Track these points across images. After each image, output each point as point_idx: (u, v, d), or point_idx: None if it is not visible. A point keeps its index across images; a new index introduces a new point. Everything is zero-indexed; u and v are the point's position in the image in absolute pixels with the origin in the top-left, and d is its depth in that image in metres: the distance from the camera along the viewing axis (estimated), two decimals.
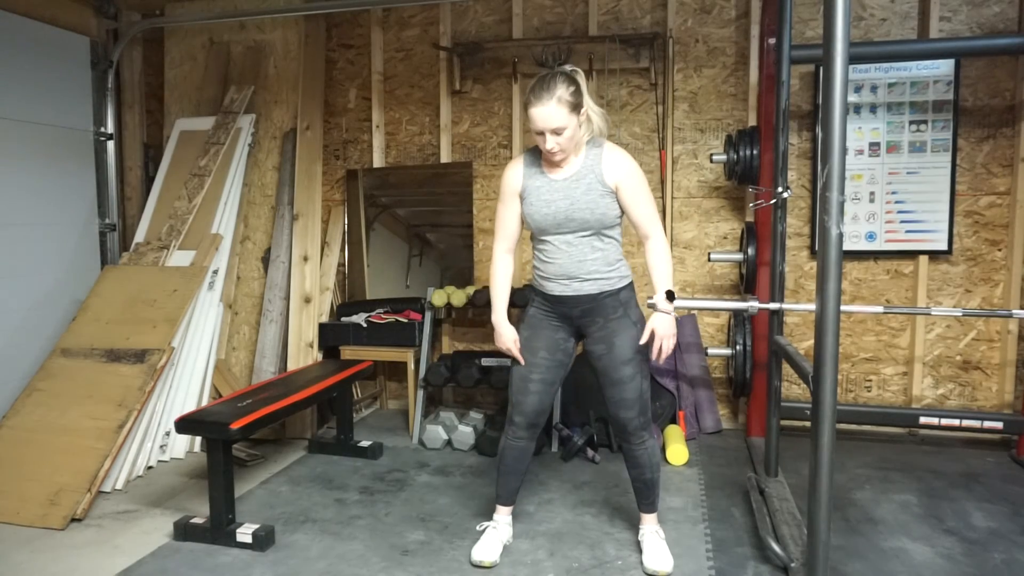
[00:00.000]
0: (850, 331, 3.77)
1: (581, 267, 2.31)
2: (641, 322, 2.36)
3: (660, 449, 3.43)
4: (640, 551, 2.46)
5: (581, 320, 2.38)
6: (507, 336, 2.41)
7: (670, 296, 2.27)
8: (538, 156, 2.35)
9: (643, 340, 2.31)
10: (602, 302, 2.33)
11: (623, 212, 2.33)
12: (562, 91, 2.16)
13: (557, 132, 2.18)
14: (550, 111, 2.16)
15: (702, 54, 3.84)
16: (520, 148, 4.06)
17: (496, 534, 2.50)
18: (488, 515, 2.61)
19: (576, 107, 2.20)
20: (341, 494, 3.05)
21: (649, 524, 2.51)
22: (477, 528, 2.56)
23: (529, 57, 3.97)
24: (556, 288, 2.35)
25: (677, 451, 3.34)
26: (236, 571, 2.41)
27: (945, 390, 3.71)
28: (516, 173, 2.37)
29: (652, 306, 2.31)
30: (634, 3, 3.90)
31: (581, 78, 2.25)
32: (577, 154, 2.30)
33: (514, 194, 2.37)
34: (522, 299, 3.68)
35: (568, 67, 2.26)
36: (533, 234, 2.39)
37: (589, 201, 2.26)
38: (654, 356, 2.31)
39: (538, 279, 2.42)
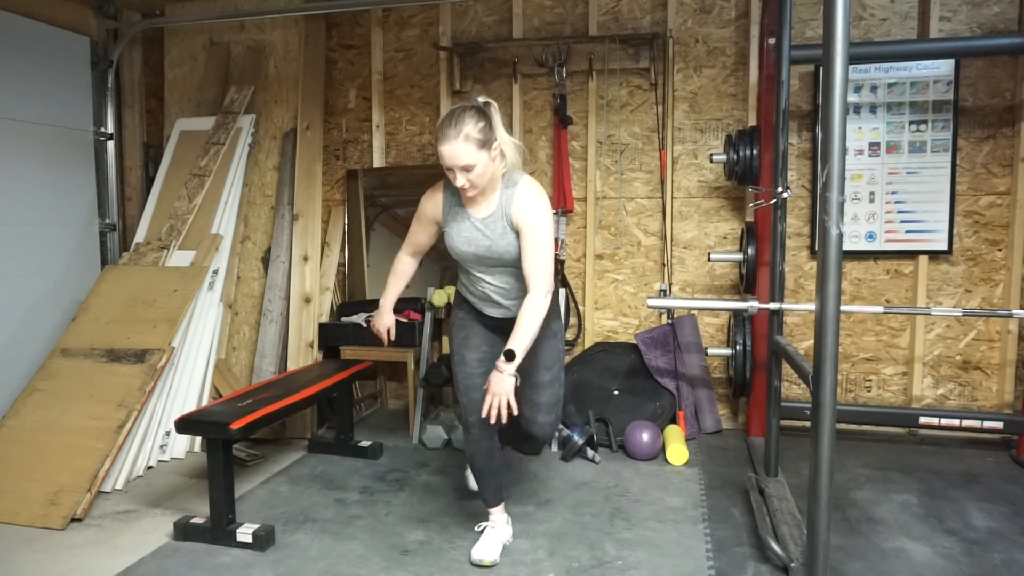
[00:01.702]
0: (850, 331, 3.77)
1: (506, 296, 2.39)
2: (562, 332, 2.54)
3: (657, 449, 3.43)
4: (641, 550, 2.46)
5: (507, 331, 2.36)
6: (387, 320, 2.62)
7: (510, 356, 2.16)
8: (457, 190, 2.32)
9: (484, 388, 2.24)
10: None
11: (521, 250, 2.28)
12: (470, 128, 2.12)
13: (467, 169, 2.14)
14: (457, 149, 2.12)
15: (702, 54, 3.84)
16: None
17: (495, 533, 2.50)
18: (485, 514, 2.61)
19: (485, 143, 2.14)
20: (341, 494, 3.05)
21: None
22: (476, 529, 2.56)
23: (529, 57, 3.97)
24: (481, 308, 2.45)
25: (677, 451, 3.34)
26: (236, 571, 2.41)
27: (945, 390, 3.71)
28: (435, 204, 2.37)
29: (497, 364, 2.20)
30: (634, 3, 3.90)
31: (493, 111, 2.20)
32: (494, 189, 2.27)
33: (432, 221, 2.41)
34: None
35: (481, 99, 2.22)
36: (458, 262, 2.44)
37: (507, 243, 2.27)
38: (483, 412, 2.18)
39: (464, 293, 2.50)
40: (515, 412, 2.21)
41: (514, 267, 2.31)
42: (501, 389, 2.17)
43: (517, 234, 2.25)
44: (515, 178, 2.27)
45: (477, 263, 2.35)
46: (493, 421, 2.20)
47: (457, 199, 2.33)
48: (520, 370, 2.27)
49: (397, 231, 4.27)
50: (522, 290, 2.31)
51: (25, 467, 3.01)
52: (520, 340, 2.18)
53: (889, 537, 2.59)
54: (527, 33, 4.01)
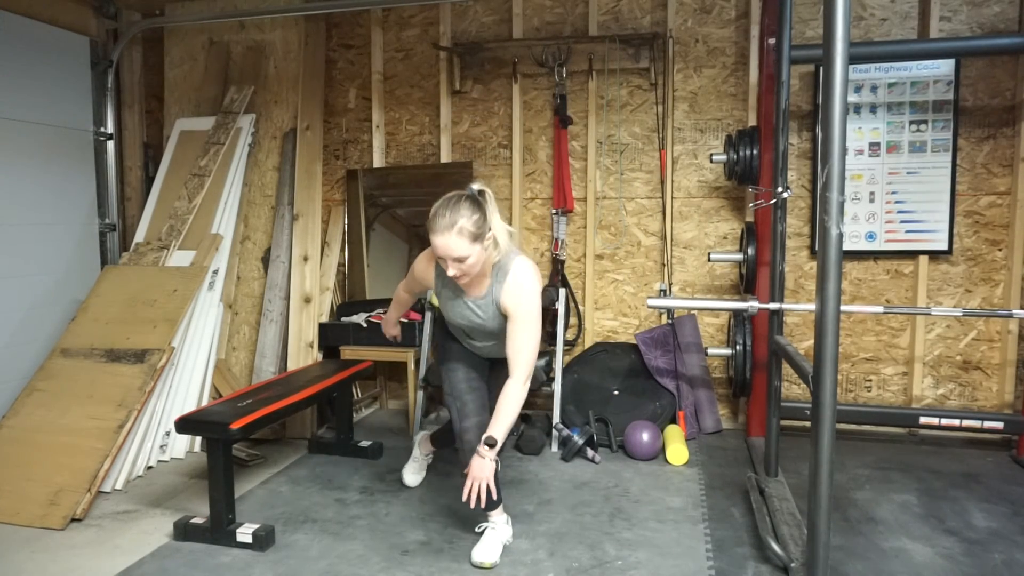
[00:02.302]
0: (850, 331, 3.77)
1: (488, 350, 2.55)
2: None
3: (657, 449, 3.43)
4: (642, 550, 2.46)
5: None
6: (394, 330, 2.99)
7: (491, 442, 2.24)
8: None
9: (463, 472, 2.33)
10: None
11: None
12: (463, 221, 2.12)
13: (460, 260, 2.16)
14: (450, 242, 2.13)
15: (702, 54, 3.84)
16: (520, 148, 4.06)
17: (495, 534, 2.50)
18: (487, 516, 2.61)
19: (479, 236, 2.16)
20: (341, 494, 3.05)
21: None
22: (476, 530, 2.56)
23: (529, 57, 3.97)
24: (465, 345, 2.61)
25: (677, 451, 3.34)
26: (236, 571, 2.41)
27: (945, 390, 3.71)
28: (428, 274, 2.45)
29: (479, 449, 2.29)
30: (634, 3, 3.89)
31: (488, 200, 2.21)
32: (486, 275, 2.30)
33: (423, 285, 2.53)
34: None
35: (476, 187, 2.22)
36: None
37: (499, 323, 2.36)
38: (464, 496, 2.26)
39: (448, 328, 2.61)
40: (495, 496, 2.32)
41: (497, 336, 2.43)
42: (482, 474, 2.25)
43: (503, 317, 2.34)
44: (507, 265, 2.29)
45: (468, 333, 2.46)
46: (472, 506, 2.27)
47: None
48: (495, 380, 2.46)
49: (397, 231, 4.27)
50: (502, 348, 2.37)
51: (25, 467, 3.01)
52: (500, 427, 2.25)
53: (889, 537, 2.59)
54: (527, 33, 4.01)
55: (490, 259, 2.26)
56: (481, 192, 2.22)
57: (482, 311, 2.35)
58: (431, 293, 3.82)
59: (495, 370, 2.64)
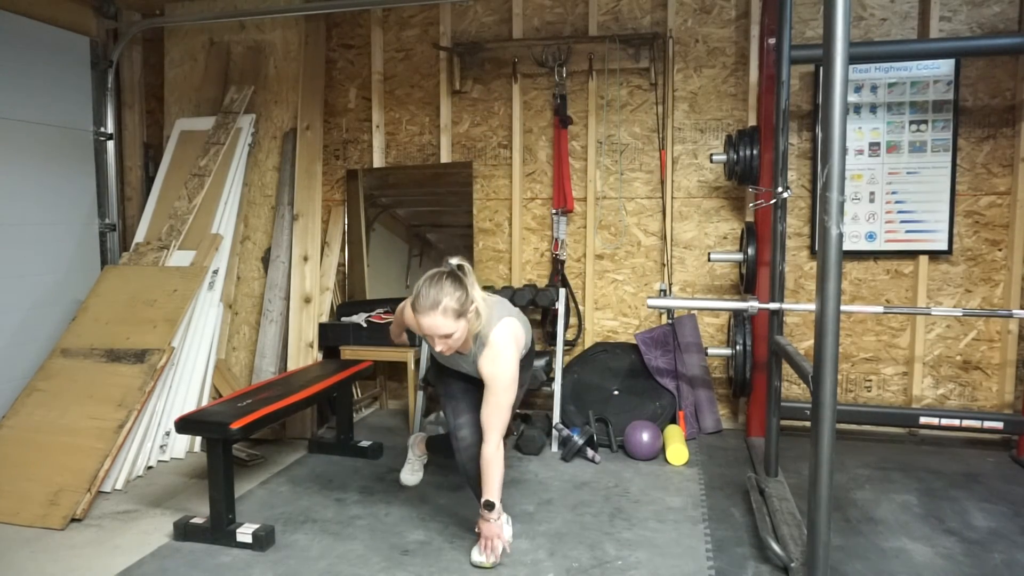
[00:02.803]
0: (850, 331, 3.77)
1: (472, 380, 2.58)
2: (527, 376, 2.63)
3: (657, 448, 3.43)
4: (641, 550, 2.46)
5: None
6: (402, 337, 2.89)
7: (490, 506, 2.36)
8: None
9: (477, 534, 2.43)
10: None
11: None
12: (447, 301, 2.21)
13: (446, 337, 2.25)
14: (436, 322, 2.22)
15: (702, 54, 3.84)
16: (520, 148, 4.06)
17: None
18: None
19: (462, 313, 2.25)
20: (341, 494, 3.05)
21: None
22: (476, 530, 2.56)
23: (529, 57, 3.97)
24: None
25: (677, 451, 3.34)
26: (236, 571, 2.41)
27: (945, 390, 3.71)
28: (413, 325, 2.45)
29: (483, 513, 2.39)
30: (634, 3, 3.89)
31: (468, 275, 2.31)
32: (469, 338, 2.38)
33: (413, 329, 2.51)
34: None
35: (455, 261, 2.32)
36: None
37: (475, 371, 2.45)
38: (483, 558, 2.38)
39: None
40: (508, 551, 2.41)
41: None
42: (492, 533, 2.38)
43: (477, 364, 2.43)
44: (486, 336, 2.37)
45: (456, 371, 2.59)
46: (486, 562, 2.37)
47: None
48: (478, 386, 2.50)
49: (397, 231, 4.27)
50: None
51: (25, 467, 3.01)
52: (492, 490, 2.36)
53: (889, 537, 2.59)
54: (527, 33, 4.01)
55: (473, 328, 2.35)
56: (460, 267, 2.32)
57: (467, 364, 2.48)
58: None
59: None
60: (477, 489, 2.52)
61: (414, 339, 3.88)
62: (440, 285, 2.24)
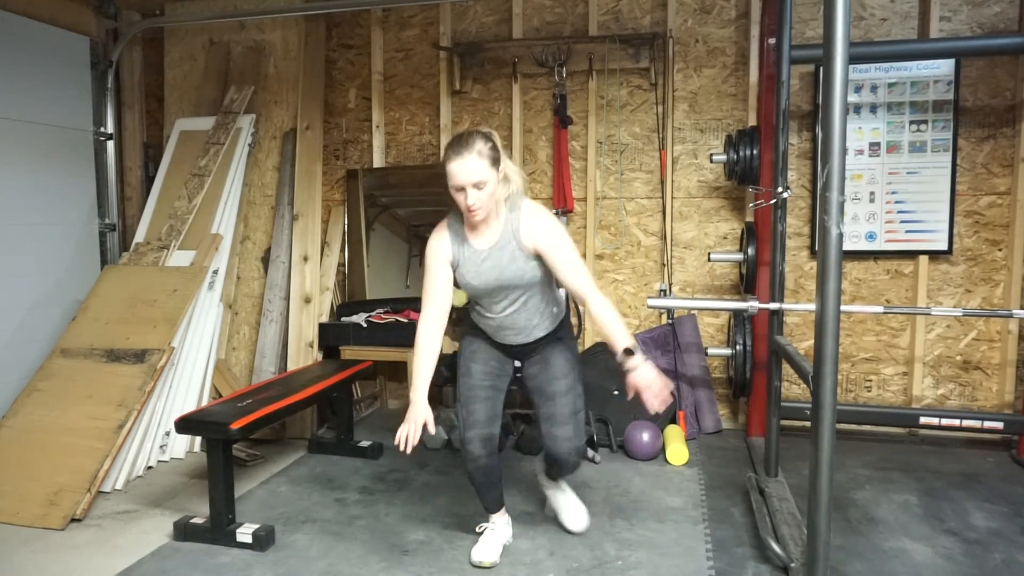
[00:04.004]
0: (850, 331, 3.77)
1: (515, 322, 2.38)
2: (573, 350, 2.48)
3: (657, 448, 3.43)
4: (641, 550, 2.46)
5: (519, 352, 2.49)
6: (421, 413, 2.19)
7: (630, 352, 2.14)
8: (460, 225, 2.33)
9: (630, 396, 2.19)
10: (538, 342, 2.44)
11: (555, 274, 2.31)
12: (481, 145, 2.15)
13: (478, 187, 2.15)
14: (471, 164, 2.13)
15: (702, 54, 3.84)
16: (520, 148, 4.06)
17: (495, 535, 2.50)
18: (485, 514, 2.61)
19: (495, 161, 2.19)
20: (341, 494, 3.05)
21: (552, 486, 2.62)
22: (476, 530, 2.56)
23: (529, 57, 3.97)
24: (496, 338, 2.46)
25: (677, 451, 3.34)
26: (236, 571, 2.41)
27: (945, 390, 3.71)
28: (445, 241, 2.33)
29: (624, 366, 2.16)
30: (634, 3, 3.89)
31: (496, 137, 2.25)
32: (497, 216, 2.28)
33: (444, 261, 2.31)
34: None
35: (484, 128, 2.27)
36: (470, 297, 2.44)
37: (516, 269, 2.27)
38: (657, 406, 2.14)
39: (476, 321, 2.50)
40: (667, 399, 2.15)
41: (524, 291, 2.33)
42: (648, 380, 2.12)
43: (528, 257, 2.27)
44: (518, 203, 2.29)
45: (488, 295, 2.34)
46: (661, 410, 2.14)
47: (461, 234, 2.32)
48: (534, 382, 2.41)
49: (397, 231, 4.27)
50: (535, 313, 2.37)
51: (25, 467, 3.01)
52: (622, 332, 2.16)
53: (889, 537, 2.59)
54: (527, 33, 4.01)
55: (501, 199, 2.25)
56: (490, 132, 2.25)
57: (496, 259, 2.27)
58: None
59: (531, 365, 2.48)
60: (482, 494, 2.52)
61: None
62: (471, 136, 2.18)
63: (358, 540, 2.62)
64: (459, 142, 2.17)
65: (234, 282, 4.01)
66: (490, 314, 2.39)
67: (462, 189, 2.16)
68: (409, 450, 2.11)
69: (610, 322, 2.18)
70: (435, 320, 2.31)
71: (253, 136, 4.13)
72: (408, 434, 2.13)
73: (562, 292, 2.49)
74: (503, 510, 2.57)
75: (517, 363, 2.56)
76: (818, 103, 3.66)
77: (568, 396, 2.41)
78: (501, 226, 2.28)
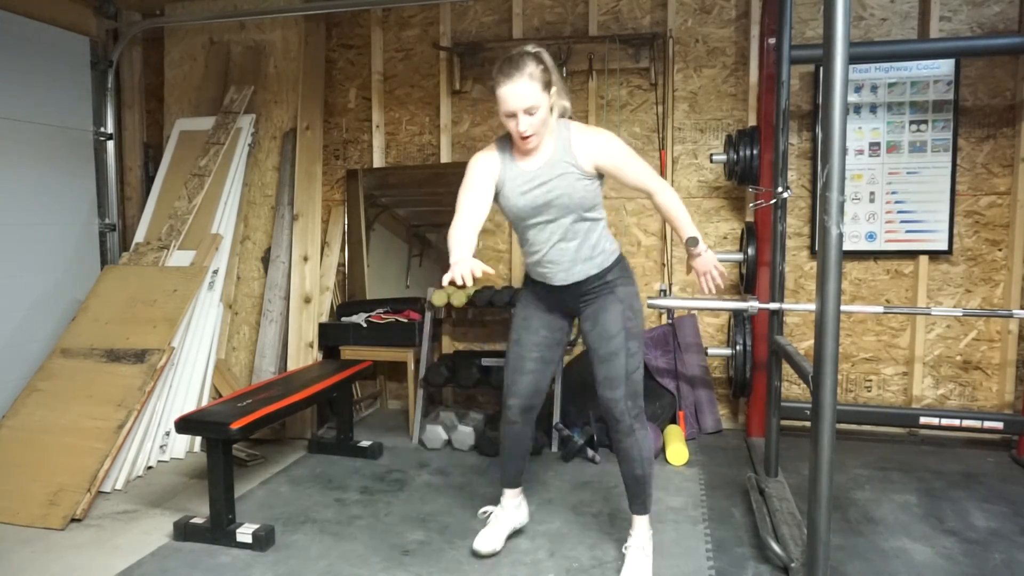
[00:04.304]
0: (850, 331, 3.77)
1: (564, 254, 2.26)
2: (628, 299, 2.31)
3: (657, 448, 3.43)
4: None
5: (572, 302, 2.35)
6: (469, 261, 1.99)
7: (693, 242, 2.30)
8: (508, 146, 2.26)
9: (687, 273, 2.37)
10: (590, 284, 2.29)
11: (620, 182, 2.26)
12: (532, 68, 2.06)
13: (530, 112, 2.07)
14: (522, 88, 2.04)
15: (702, 54, 3.84)
16: None
17: (499, 522, 2.51)
18: (499, 500, 2.61)
19: (547, 85, 2.10)
20: (341, 494, 3.05)
21: (637, 534, 2.38)
22: (479, 515, 2.55)
23: None
24: (544, 276, 2.33)
25: (677, 451, 3.34)
26: (236, 571, 2.41)
27: (945, 390, 3.71)
28: (493, 157, 2.24)
29: (688, 252, 2.36)
30: (634, 3, 3.89)
31: (547, 57, 2.14)
32: (547, 136, 2.19)
33: (489, 175, 2.22)
34: None
35: (531, 47, 2.15)
36: (515, 226, 2.33)
37: (566, 186, 2.17)
38: (711, 288, 2.34)
39: (528, 266, 2.40)
40: (721, 283, 2.35)
41: (570, 216, 2.22)
42: (707, 265, 2.32)
43: (580, 175, 2.18)
44: (564, 123, 2.21)
45: (533, 216, 2.22)
46: (714, 292, 2.34)
47: (508, 153, 2.24)
48: (588, 341, 2.33)
49: (397, 231, 4.27)
50: (583, 245, 2.25)
51: (25, 467, 3.01)
52: (687, 223, 2.30)
53: (889, 537, 2.59)
54: (527, 33, 4.01)
55: (552, 121, 2.17)
56: (539, 50, 2.14)
57: (546, 175, 2.18)
58: (431, 291, 3.82)
59: (585, 320, 2.35)
60: (505, 463, 2.53)
61: (416, 338, 3.86)
62: (522, 58, 2.07)
63: (358, 540, 2.62)
64: (509, 64, 2.07)
65: (234, 282, 4.01)
66: (534, 246, 2.29)
67: (513, 115, 2.08)
68: (470, 281, 1.93)
69: (677, 213, 2.29)
70: (467, 226, 2.12)
71: (253, 136, 4.13)
72: (461, 272, 1.93)
73: (610, 242, 2.36)
74: (519, 490, 2.56)
75: (571, 318, 2.46)
76: (818, 103, 3.66)
77: (619, 357, 2.27)
78: (552, 145, 2.19)
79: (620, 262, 2.34)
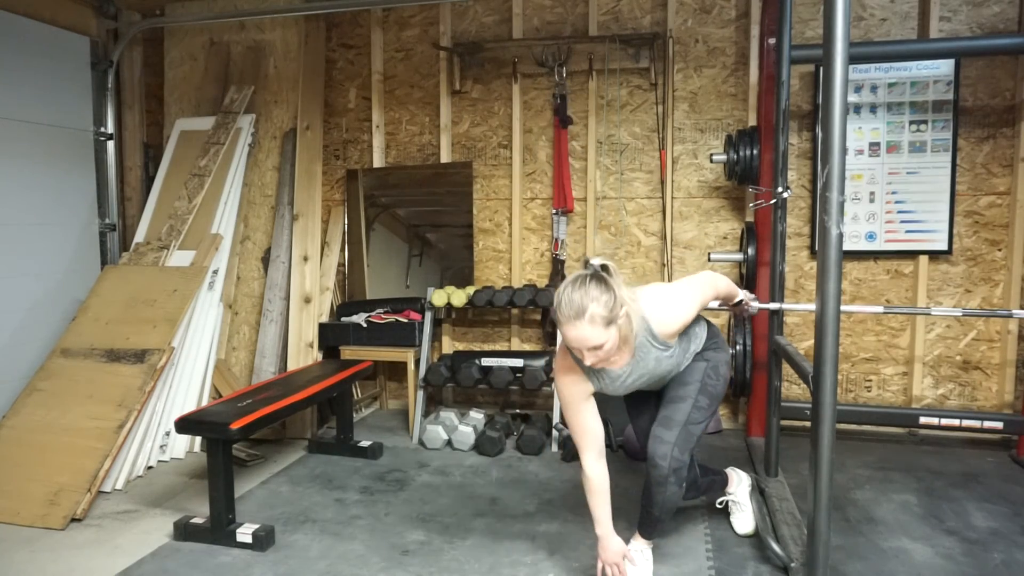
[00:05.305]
0: (850, 331, 3.77)
1: (660, 382, 2.32)
2: (715, 361, 2.29)
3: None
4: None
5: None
6: (614, 550, 2.18)
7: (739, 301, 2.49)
8: None
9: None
10: None
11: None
12: (594, 307, 1.90)
13: (596, 349, 1.96)
14: (583, 333, 1.92)
15: (702, 54, 3.84)
16: (520, 148, 4.05)
17: (740, 508, 2.66)
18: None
19: (612, 320, 1.93)
20: (341, 494, 3.05)
21: (636, 542, 2.38)
22: (717, 505, 2.66)
23: (529, 57, 3.97)
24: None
25: None
26: (236, 571, 2.41)
27: (945, 390, 3.71)
28: (578, 377, 2.16)
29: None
30: (634, 3, 3.89)
31: (614, 276, 1.98)
32: (627, 348, 2.08)
33: (586, 397, 2.18)
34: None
35: (597, 261, 1.99)
36: None
37: (665, 366, 2.19)
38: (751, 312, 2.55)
39: None
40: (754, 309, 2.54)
41: (669, 374, 2.26)
42: (748, 309, 2.60)
43: (666, 347, 2.15)
44: (638, 310, 2.06)
45: (634, 391, 2.33)
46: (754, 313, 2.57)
47: (592, 368, 2.14)
48: (662, 391, 2.33)
49: (397, 231, 4.27)
50: (677, 364, 2.25)
51: (25, 467, 3.01)
52: (733, 294, 2.48)
53: (889, 537, 2.59)
54: (527, 33, 4.01)
55: (624, 334, 2.02)
56: (604, 267, 1.99)
57: (651, 364, 2.16)
58: (431, 291, 3.82)
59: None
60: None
61: (416, 338, 3.87)
62: (584, 289, 1.92)
63: (358, 540, 2.62)
64: (569, 304, 1.93)
65: (234, 282, 4.01)
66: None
67: (578, 351, 2.00)
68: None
69: (726, 293, 2.43)
70: (598, 458, 2.23)
71: (253, 136, 4.14)
72: (615, 572, 2.18)
73: (702, 327, 2.35)
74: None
75: None
76: (818, 103, 3.66)
77: (686, 403, 2.22)
78: (626, 362, 2.12)
79: (712, 337, 2.34)
